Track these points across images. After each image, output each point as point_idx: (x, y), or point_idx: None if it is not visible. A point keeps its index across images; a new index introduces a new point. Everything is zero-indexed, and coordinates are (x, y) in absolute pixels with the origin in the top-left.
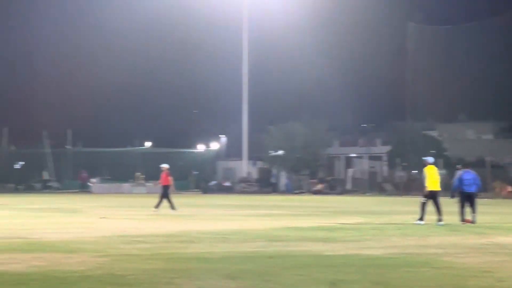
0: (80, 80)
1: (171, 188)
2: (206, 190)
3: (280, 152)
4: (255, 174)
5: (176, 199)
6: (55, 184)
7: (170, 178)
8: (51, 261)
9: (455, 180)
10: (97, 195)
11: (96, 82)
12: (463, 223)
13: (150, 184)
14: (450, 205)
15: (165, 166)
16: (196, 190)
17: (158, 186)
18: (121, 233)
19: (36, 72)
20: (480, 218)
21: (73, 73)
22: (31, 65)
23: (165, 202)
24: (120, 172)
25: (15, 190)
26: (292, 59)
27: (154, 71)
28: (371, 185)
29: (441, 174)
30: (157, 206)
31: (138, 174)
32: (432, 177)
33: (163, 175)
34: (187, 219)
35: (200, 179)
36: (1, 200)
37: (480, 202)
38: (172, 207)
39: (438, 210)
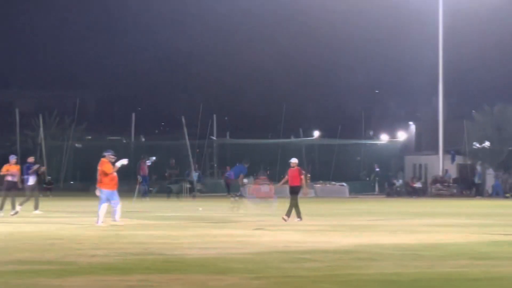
0: (229, 55)
1: (304, 191)
2: (391, 192)
3: (487, 144)
4: (453, 173)
5: (351, 204)
6: (198, 186)
7: (302, 177)
8: (194, 284)
9: None
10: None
11: (247, 57)
12: None
13: (318, 186)
14: None
15: (294, 161)
16: (376, 193)
17: (283, 186)
18: (282, 249)
19: (170, 48)
20: None
21: (219, 47)
22: (168, 41)
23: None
24: (280, 170)
25: (147, 193)
26: (501, 24)
27: (323, 43)
28: None
29: None
30: (298, 215)
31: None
32: None
33: (294, 172)
34: (365, 231)
35: (383, 178)
36: (140, 207)
37: None
38: (288, 213)
39: None
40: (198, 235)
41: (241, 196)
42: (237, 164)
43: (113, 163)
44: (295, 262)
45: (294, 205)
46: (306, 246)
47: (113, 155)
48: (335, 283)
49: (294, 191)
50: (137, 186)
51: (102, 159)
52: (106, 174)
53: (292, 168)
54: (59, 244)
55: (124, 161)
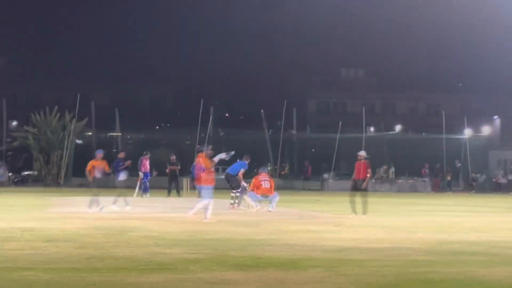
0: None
1: (364, 184)
2: (474, 188)
3: None
4: None
5: (433, 200)
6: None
7: (369, 171)
8: (272, 282)
9: None
10: (332, 194)
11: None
12: None
13: (401, 181)
14: None
15: (362, 153)
16: (459, 189)
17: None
18: (364, 246)
19: (257, 42)
20: None
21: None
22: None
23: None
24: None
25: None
26: None
27: (415, 38)
28: None
29: None
30: (364, 211)
31: (384, 167)
32: None
33: (360, 165)
34: (448, 227)
35: (466, 174)
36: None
37: None
38: (365, 210)
39: None
40: (274, 231)
41: (242, 192)
42: (238, 160)
43: (212, 158)
44: (377, 260)
45: (365, 201)
46: (388, 243)
47: (211, 149)
48: (419, 281)
49: (358, 186)
50: (138, 183)
51: (200, 153)
52: (204, 170)
53: (359, 161)
54: (135, 240)
55: (223, 155)
